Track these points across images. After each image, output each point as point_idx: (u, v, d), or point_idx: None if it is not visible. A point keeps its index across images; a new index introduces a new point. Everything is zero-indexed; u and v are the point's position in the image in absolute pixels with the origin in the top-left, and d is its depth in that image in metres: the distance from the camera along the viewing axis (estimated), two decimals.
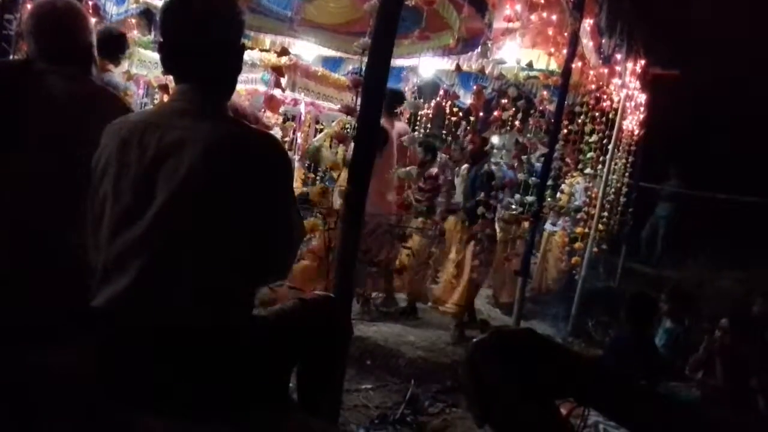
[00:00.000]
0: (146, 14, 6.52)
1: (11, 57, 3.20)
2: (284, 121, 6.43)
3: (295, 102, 6.24)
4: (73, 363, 1.61)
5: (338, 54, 6.79)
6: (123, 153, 1.57)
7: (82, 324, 1.56)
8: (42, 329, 1.66)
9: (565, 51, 4.37)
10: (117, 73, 4.41)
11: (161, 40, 1.67)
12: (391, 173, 4.41)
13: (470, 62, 5.75)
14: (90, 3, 4.60)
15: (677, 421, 1.00)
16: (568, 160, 6.26)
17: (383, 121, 4.60)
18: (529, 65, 5.14)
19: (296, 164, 6.19)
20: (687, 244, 9.10)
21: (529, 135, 4.96)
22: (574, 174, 6.59)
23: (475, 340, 1.02)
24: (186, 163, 1.51)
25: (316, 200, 3.04)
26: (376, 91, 2.43)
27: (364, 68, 2.50)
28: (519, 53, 5.19)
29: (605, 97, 6.08)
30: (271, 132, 4.52)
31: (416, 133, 6.79)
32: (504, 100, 5.15)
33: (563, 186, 6.62)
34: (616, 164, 6.77)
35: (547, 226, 6.72)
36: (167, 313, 1.52)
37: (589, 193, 6.31)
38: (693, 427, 1.00)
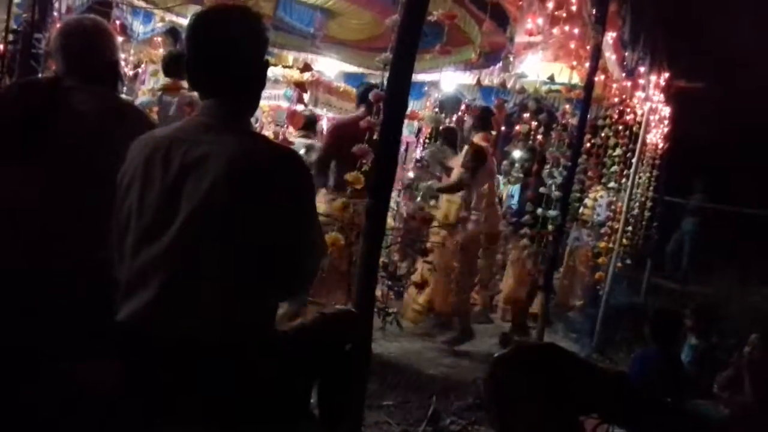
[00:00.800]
0: (172, 33, 6.63)
1: (40, 75, 3.27)
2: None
3: (318, 117, 6.28)
4: (96, 377, 1.62)
5: (360, 70, 6.84)
6: (148, 168, 1.59)
7: (106, 338, 1.57)
8: (66, 344, 1.68)
9: (587, 64, 4.35)
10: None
11: (187, 56, 1.69)
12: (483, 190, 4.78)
13: (492, 76, 5.76)
14: (117, 22, 4.70)
15: None
16: (590, 173, 6.21)
17: (479, 139, 4.75)
18: (551, 79, 5.13)
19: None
20: (713, 259, 8.95)
21: (551, 149, 4.94)
22: (598, 188, 6.53)
23: (497, 355, 1.01)
24: (209, 178, 1.53)
25: (337, 215, 3.04)
26: (398, 106, 2.43)
27: (386, 83, 2.51)
28: (541, 67, 5.18)
29: (629, 110, 6.03)
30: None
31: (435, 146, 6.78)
32: (526, 114, 5.13)
33: (586, 200, 6.57)
34: (640, 178, 6.69)
35: (570, 240, 6.65)
36: (188, 327, 1.53)
37: (613, 207, 6.25)
38: None
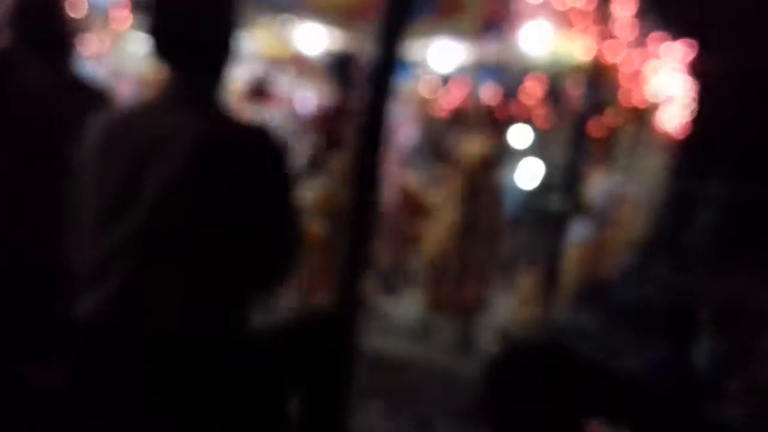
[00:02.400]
0: (135, 4, 6.56)
1: None
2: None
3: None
4: (54, 374, 1.61)
5: (343, 48, 6.79)
6: (108, 146, 1.58)
7: (65, 333, 1.56)
8: (24, 339, 1.67)
9: (595, 37, 4.35)
10: None
11: (152, 27, 1.68)
12: None
13: (490, 50, 5.73)
14: None
15: None
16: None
17: None
18: (555, 52, 5.12)
19: None
20: (732, 251, 9.00)
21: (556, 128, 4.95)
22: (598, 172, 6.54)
23: (495, 353, 1.00)
24: (174, 158, 1.51)
25: (321, 204, 3.04)
26: (384, 84, 2.42)
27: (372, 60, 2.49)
28: (544, 39, 5.17)
29: (640, 87, 6.03)
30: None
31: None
32: (527, 91, 5.12)
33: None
34: (651, 162, 6.72)
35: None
36: (153, 323, 1.52)
37: (614, 194, 6.27)
38: None
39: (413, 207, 4.28)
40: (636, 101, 6.02)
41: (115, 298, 1.52)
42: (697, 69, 6.72)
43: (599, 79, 4.80)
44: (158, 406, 1.52)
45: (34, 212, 1.83)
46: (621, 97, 5.94)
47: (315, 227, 3.03)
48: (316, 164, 4.19)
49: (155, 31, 1.67)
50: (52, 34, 2.03)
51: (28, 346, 1.67)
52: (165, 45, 1.68)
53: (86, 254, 1.58)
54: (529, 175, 5.20)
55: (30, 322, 1.71)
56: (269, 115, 5.43)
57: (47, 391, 1.61)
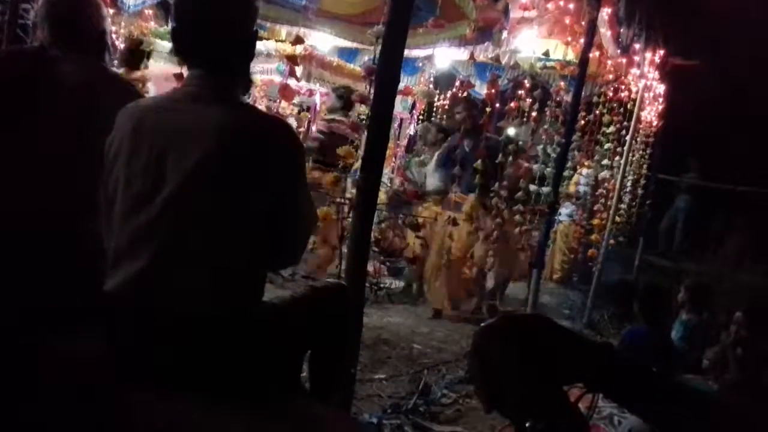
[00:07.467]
0: (163, 5, 6.53)
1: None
2: (299, 112, 6.45)
3: (311, 92, 6.25)
4: (85, 348, 1.62)
5: (354, 45, 6.76)
6: (135, 137, 1.58)
7: (95, 308, 1.57)
8: (56, 314, 1.68)
9: (582, 40, 4.32)
10: None
11: (175, 25, 1.67)
12: None
13: (486, 52, 5.70)
14: None
15: (696, 410, 0.97)
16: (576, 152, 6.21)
17: None
18: (546, 55, 5.09)
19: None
20: (706, 237, 8.98)
21: (546, 125, 4.92)
22: (586, 163, 6.53)
23: (483, 324, 1.00)
24: (197, 148, 1.52)
25: (329, 189, 3.04)
26: (390, 80, 2.41)
27: (378, 57, 2.48)
28: (535, 42, 5.14)
29: (623, 87, 6.00)
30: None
31: (429, 123, 6.74)
32: (520, 91, 5.10)
33: (576, 176, 6.59)
34: (633, 155, 6.68)
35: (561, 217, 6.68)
36: (177, 297, 1.53)
37: (592, 182, 6.27)
38: (712, 417, 0.98)
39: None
40: (622, 98, 5.99)
41: (142, 276, 1.53)
42: (666, 71, 6.67)
43: (587, 77, 4.76)
44: (180, 372, 1.53)
45: (68, 198, 1.82)
46: (607, 94, 5.91)
47: (325, 209, 3.03)
48: None
49: (178, 32, 1.67)
50: (82, 32, 2.00)
51: (63, 318, 1.67)
52: (187, 45, 1.68)
53: (116, 235, 1.58)
54: None
55: (64, 297, 1.71)
56: None
57: (80, 359, 1.62)
